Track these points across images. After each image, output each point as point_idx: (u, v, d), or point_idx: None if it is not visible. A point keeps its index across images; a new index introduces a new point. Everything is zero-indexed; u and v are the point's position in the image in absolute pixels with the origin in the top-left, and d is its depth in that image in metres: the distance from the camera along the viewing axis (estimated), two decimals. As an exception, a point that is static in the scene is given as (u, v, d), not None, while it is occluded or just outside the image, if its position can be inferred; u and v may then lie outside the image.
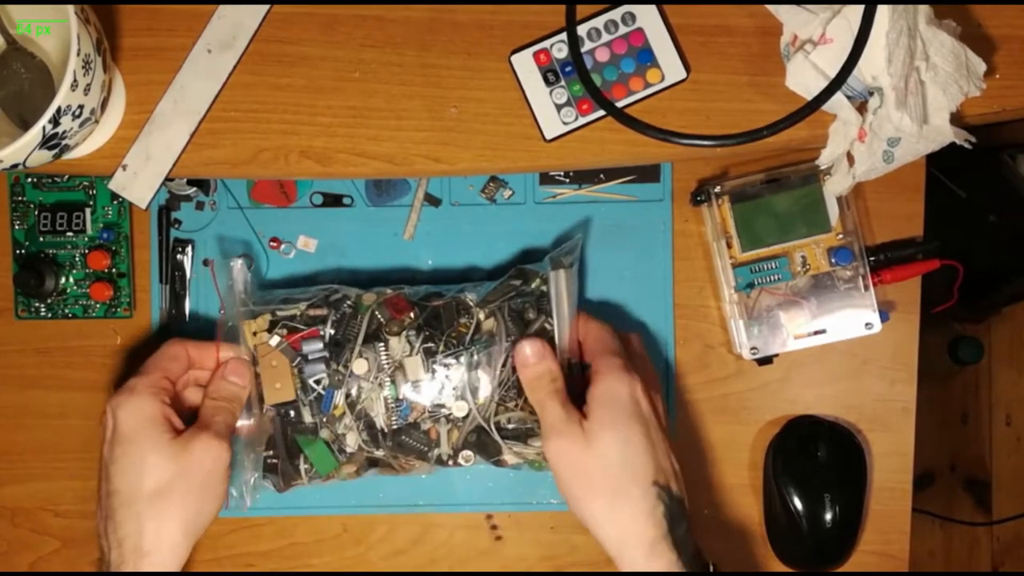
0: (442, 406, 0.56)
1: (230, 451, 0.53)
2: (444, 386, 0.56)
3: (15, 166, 0.46)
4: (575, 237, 0.59)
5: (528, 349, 0.54)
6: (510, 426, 0.56)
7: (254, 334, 0.56)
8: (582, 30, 0.54)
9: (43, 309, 0.62)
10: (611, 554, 0.51)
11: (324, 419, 0.56)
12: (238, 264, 0.57)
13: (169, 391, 0.55)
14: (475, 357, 0.56)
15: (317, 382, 0.56)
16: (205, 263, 0.62)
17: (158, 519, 0.51)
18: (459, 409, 0.56)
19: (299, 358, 0.56)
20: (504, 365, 0.55)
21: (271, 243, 0.62)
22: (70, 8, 0.44)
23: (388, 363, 0.56)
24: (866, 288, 0.60)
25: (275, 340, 0.56)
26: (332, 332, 0.56)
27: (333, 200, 0.62)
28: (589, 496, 0.51)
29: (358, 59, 0.54)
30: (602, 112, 0.53)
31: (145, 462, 0.51)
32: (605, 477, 0.50)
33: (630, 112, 0.53)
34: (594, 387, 0.53)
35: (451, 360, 0.56)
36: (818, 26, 0.51)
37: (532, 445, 0.56)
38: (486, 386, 0.56)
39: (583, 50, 0.54)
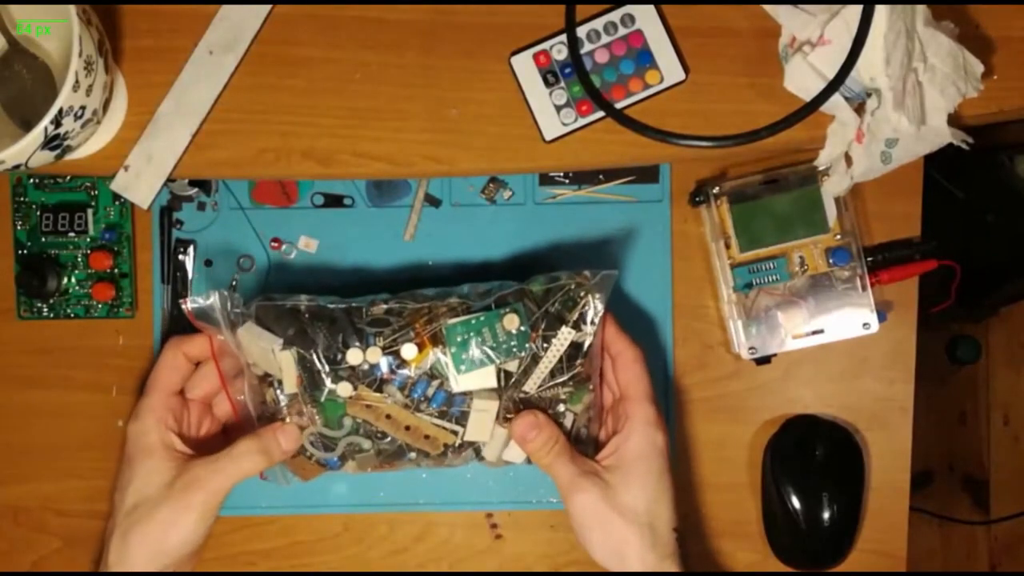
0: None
1: (226, 491, 0.52)
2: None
3: (17, 167, 0.47)
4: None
5: (524, 426, 0.53)
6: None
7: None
8: (581, 32, 0.54)
9: (45, 309, 0.62)
10: None
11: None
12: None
13: (174, 409, 0.55)
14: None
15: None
16: (207, 263, 0.62)
17: (125, 537, 0.52)
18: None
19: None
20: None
21: (272, 243, 0.62)
22: (72, 9, 0.44)
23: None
24: (864, 288, 0.60)
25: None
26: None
27: (334, 201, 0.62)
28: (617, 546, 0.51)
29: (359, 60, 0.54)
30: (601, 113, 0.54)
31: (133, 483, 0.53)
32: (635, 529, 0.51)
33: (629, 113, 0.53)
34: (627, 439, 0.53)
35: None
36: (816, 27, 0.51)
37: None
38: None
39: (582, 52, 0.54)
